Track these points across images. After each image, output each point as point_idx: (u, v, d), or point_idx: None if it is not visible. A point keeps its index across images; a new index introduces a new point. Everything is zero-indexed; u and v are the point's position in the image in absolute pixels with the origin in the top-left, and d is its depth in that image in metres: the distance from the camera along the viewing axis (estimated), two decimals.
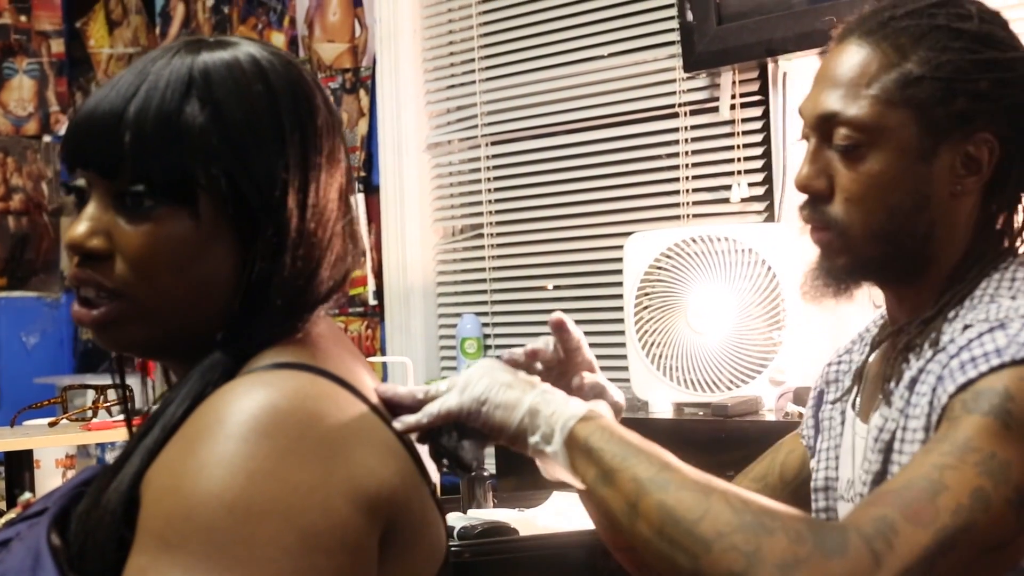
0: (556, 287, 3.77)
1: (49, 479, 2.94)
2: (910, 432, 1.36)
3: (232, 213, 1.14)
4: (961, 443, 1.24)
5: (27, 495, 2.60)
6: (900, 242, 1.44)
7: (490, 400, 1.28)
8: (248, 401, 1.06)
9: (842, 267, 1.47)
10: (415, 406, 1.26)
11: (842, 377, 1.62)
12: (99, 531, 1.07)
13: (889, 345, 1.50)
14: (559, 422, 1.27)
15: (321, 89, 1.22)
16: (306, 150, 1.17)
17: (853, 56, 1.45)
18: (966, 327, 1.35)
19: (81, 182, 1.18)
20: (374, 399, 1.18)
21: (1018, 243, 1.47)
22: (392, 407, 1.23)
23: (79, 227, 1.15)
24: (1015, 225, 1.47)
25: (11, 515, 2.35)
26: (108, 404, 2.80)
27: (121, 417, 2.73)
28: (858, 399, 1.55)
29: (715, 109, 3.34)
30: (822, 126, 1.46)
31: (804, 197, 1.48)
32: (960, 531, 1.19)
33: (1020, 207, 1.47)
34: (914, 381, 1.38)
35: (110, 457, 3.31)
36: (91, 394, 2.88)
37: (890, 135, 1.42)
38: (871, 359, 1.56)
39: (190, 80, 1.14)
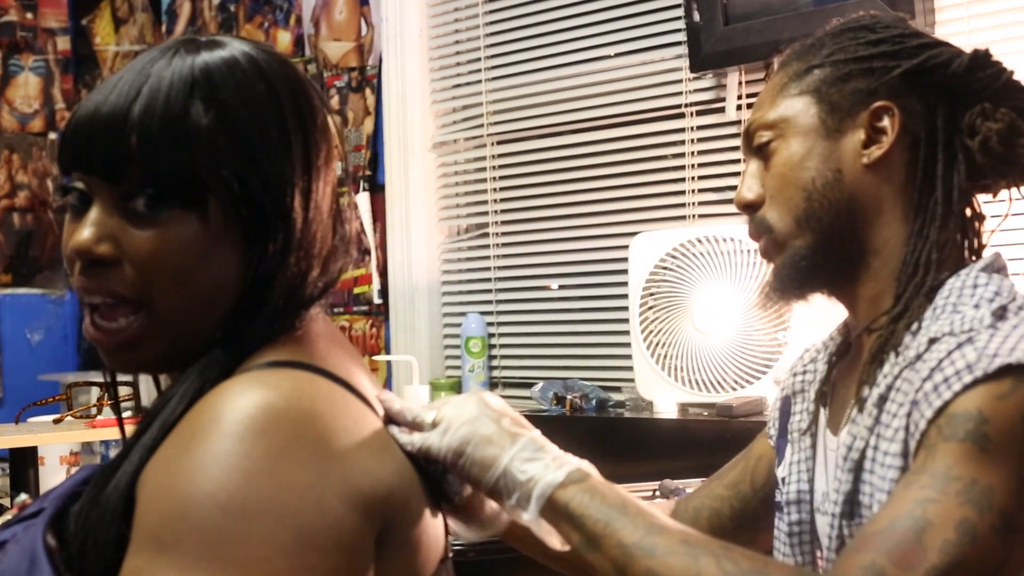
0: (561, 287, 3.77)
1: (53, 476, 2.94)
2: (881, 453, 1.35)
3: (242, 215, 1.13)
4: (941, 474, 1.22)
5: (23, 496, 2.59)
6: (826, 224, 1.44)
7: (467, 454, 1.25)
8: (244, 400, 1.05)
9: (781, 267, 1.47)
10: (409, 425, 1.24)
11: (807, 387, 1.59)
12: (99, 530, 1.06)
13: (856, 348, 1.50)
14: (536, 490, 1.24)
15: (316, 88, 1.22)
16: (308, 149, 1.17)
17: (772, 80, 1.51)
18: (931, 340, 1.33)
19: (79, 184, 1.15)
20: (371, 398, 1.17)
21: (976, 238, 1.46)
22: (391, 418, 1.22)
23: (84, 232, 1.12)
24: (963, 214, 1.45)
25: (7, 516, 2.35)
26: (113, 401, 2.79)
27: (127, 415, 2.74)
28: (825, 414, 1.53)
29: (721, 110, 3.34)
30: (747, 142, 1.50)
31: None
32: (950, 568, 1.18)
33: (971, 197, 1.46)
34: (883, 399, 1.36)
35: (114, 454, 3.31)
36: (95, 391, 2.88)
37: (793, 122, 1.46)
38: (834, 371, 1.55)
39: (193, 81, 1.13)
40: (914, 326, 1.39)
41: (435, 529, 1.19)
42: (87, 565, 1.06)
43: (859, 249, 1.45)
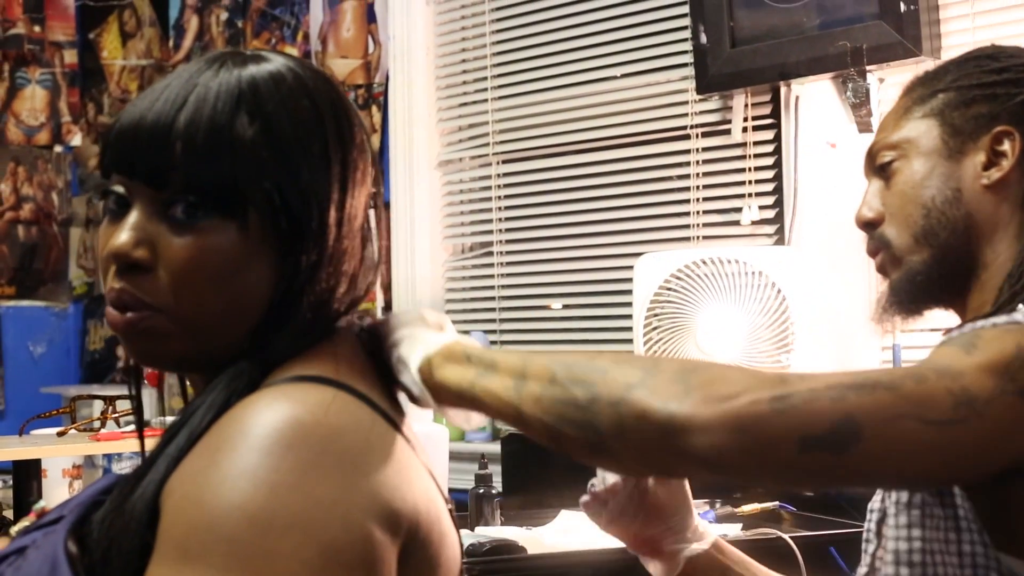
0: (566, 306, 3.78)
1: (56, 489, 2.94)
2: None
3: (280, 227, 1.14)
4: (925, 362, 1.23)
5: (42, 503, 2.60)
6: (942, 240, 1.48)
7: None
8: (271, 413, 1.06)
9: (897, 282, 1.51)
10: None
11: None
12: (124, 538, 1.07)
13: None
14: (416, 353, 1.20)
15: (355, 108, 1.24)
16: (345, 167, 1.18)
17: (896, 104, 1.56)
18: None
19: (119, 188, 1.16)
20: (394, 414, 1.18)
21: None
22: None
23: (122, 236, 1.13)
24: None
25: (25, 523, 2.35)
26: (116, 415, 2.80)
27: (130, 428, 2.75)
28: None
29: (727, 131, 3.35)
30: (869, 162, 1.56)
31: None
32: (882, 383, 1.15)
33: None
34: None
35: (117, 468, 3.31)
36: (99, 405, 2.89)
37: (916, 143, 1.51)
38: None
39: (239, 93, 1.14)
40: None
41: (454, 548, 1.20)
42: (110, 572, 1.07)
43: (971, 264, 1.49)
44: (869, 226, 1.53)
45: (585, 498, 1.62)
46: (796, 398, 1.11)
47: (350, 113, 1.21)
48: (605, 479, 1.58)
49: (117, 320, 1.15)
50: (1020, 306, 1.36)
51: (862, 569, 1.45)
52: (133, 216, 1.14)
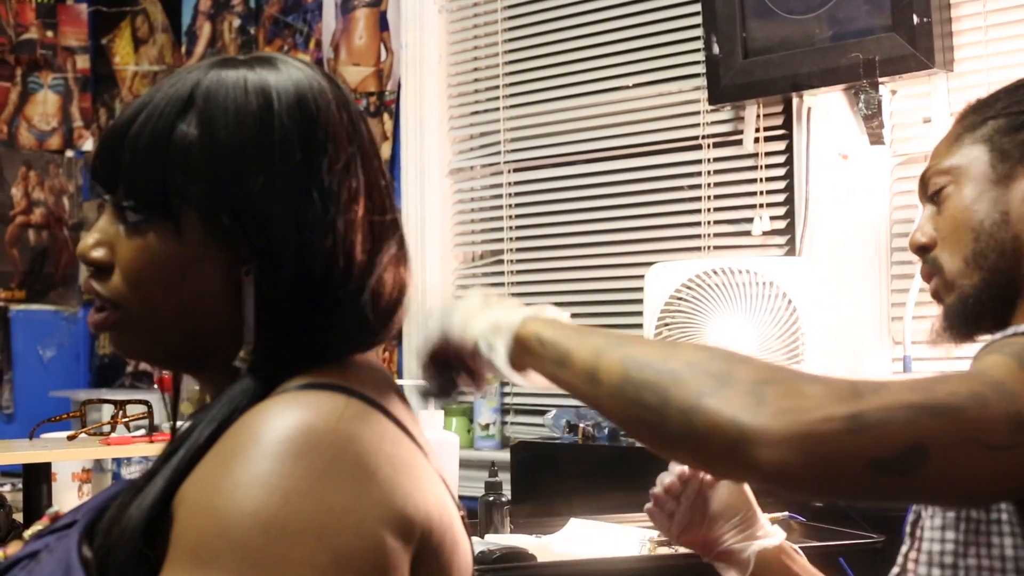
0: (575, 315, 3.77)
1: (65, 493, 2.95)
2: None
3: (216, 231, 1.14)
4: (972, 370, 1.24)
5: (56, 507, 2.60)
6: (991, 262, 1.49)
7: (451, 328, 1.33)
8: (283, 420, 1.06)
9: (950, 307, 1.52)
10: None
11: None
12: (119, 549, 1.07)
13: None
14: (500, 334, 1.29)
15: (353, 114, 1.20)
16: (312, 172, 1.15)
17: (949, 131, 1.58)
18: None
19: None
20: (406, 422, 1.18)
21: None
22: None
23: (87, 238, 1.19)
24: None
25: (38, 527, 2.36)
26: (126, 419, 2.81)
27: (139, 432, 2.75)
28: None
29: (739, 142, 3.35)
30: (922, 189, 1.58)
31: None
32: (950, 408, 1.15)
33: None
34: None
35: (126, 472, 3.32)
36: (108, 409, 2.89)
37: (966, 169, 1.52)
38: None
39: (189, 98, 1.16)
40: None
41: (466, 555, 1.20)
42: None
43: (1021, 286, 1.49)
44: (922, 250, 1.55)
45: (648, 505, 1.71)
46: (869, 418, 1.12)
47: (338, 129, 1.18)
48: (663, 480, 1.67)
49: (89, 318, 1.21)
50: None
51: (895, 569, 1.46)
52: (101, 220, 1.19)
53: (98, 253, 1.18)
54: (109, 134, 1.18)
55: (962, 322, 1.52)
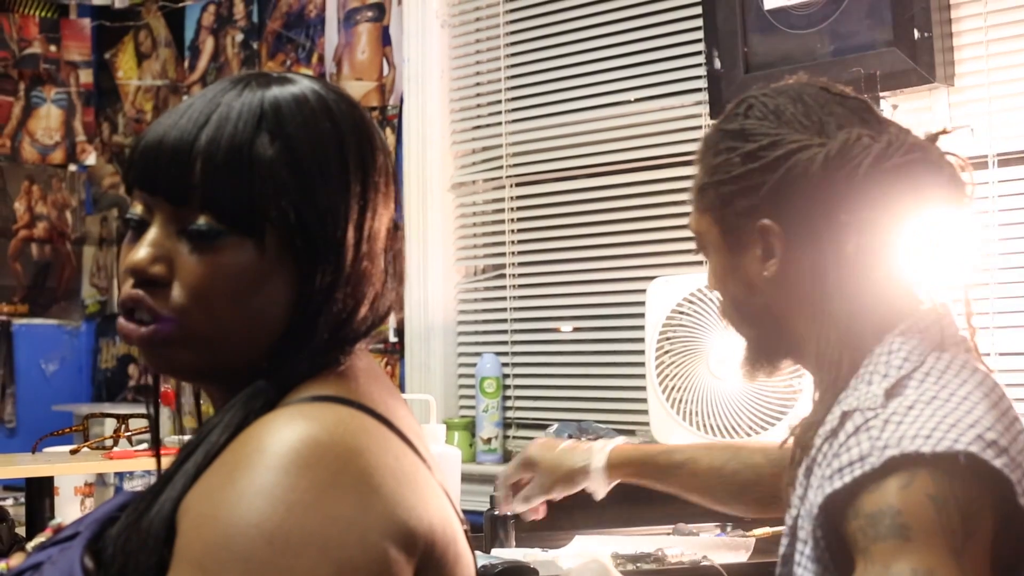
0: (577, 329, 3.78)
1: (68, 506, 2.95)
2: (802, 531, 1.40)
3: (297, 247, 1.15)
4: (881, 575, 1.26)
5: (58, 519, 2.61)
6: (758, 325, 1.57)
7: None
8: (288, 432, 1.07)
9: (745, 351, 1.61)
10: None
11: None
12: (140, 554, 1.07)
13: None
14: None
15: (378, 131, 1.24)
16: (365, 189, 1.19)
17: (696, 172, 1.62)
18: (844, 413, 1.40)
19: (138, 211, 1.18)
20: (411, 435, 1.19)
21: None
22: None
23: (140, 252, 1.15)
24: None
25: (41, 538, 2.36)
26: (129, 433, 2.81)
27: (142, 447, 2.75)
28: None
29: None
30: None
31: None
32: None
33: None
34: (808, 470, 1.43)
35: (129, 486, 3.32)
36: (111, 423, 2.90)
37: (708, 238, 1.58)
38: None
39: (261, 113, 1.16)
40: (842, 394, 1.45)
41: (469, 568, 1.20)
42: None
43: (791, 339, 1.55)
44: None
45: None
46: None
47: (373, 136, 1.22)
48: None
49: (130, 331, 1.16)
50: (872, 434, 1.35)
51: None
52: (152, 232, 1.16)
53: (157, 268, 1.15)
54: (170, 145, 1.15)
55: (758, 362, 1.61)
